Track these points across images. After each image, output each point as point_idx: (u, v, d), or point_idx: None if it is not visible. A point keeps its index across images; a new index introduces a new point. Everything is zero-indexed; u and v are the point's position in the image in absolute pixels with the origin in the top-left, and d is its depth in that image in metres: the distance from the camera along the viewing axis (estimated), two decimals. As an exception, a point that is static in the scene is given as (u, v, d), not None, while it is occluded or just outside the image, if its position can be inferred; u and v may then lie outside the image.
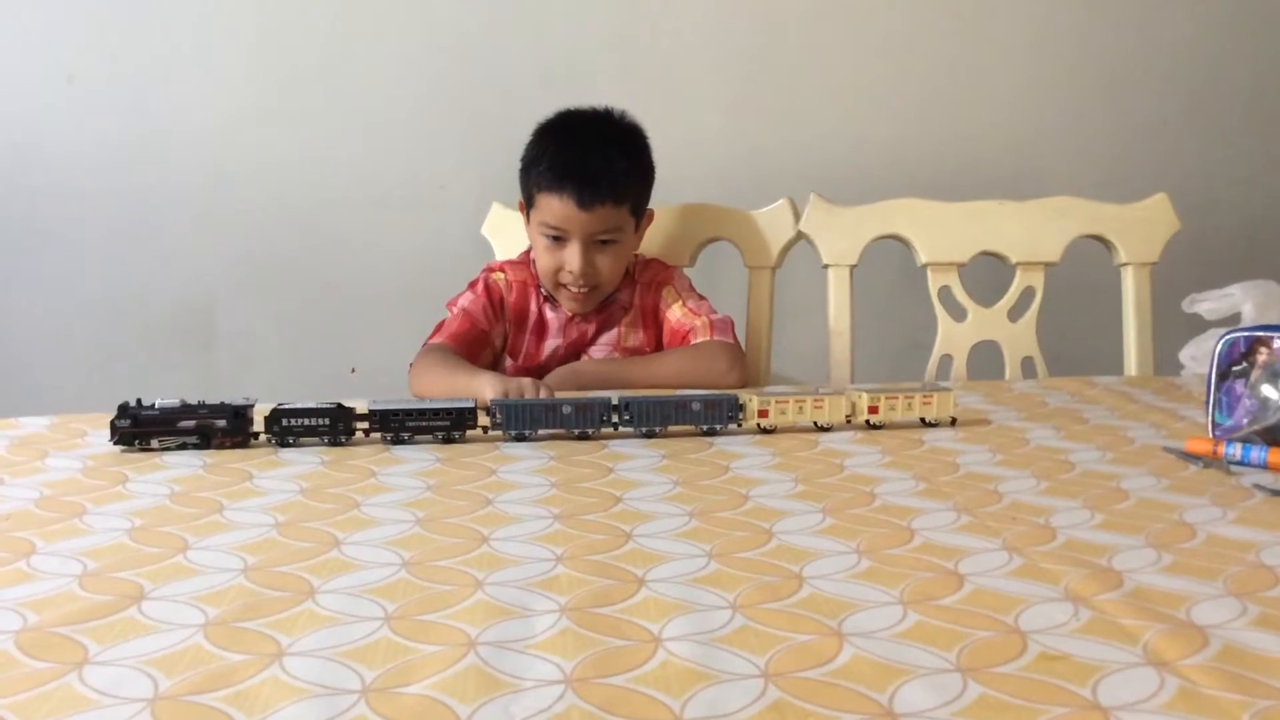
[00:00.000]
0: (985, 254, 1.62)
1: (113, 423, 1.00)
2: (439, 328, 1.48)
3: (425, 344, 1.45)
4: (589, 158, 1.42)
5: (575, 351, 1.52)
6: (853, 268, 1.60)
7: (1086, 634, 0.59)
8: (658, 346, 1.53)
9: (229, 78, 1.95)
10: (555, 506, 0.83)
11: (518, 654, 0.56)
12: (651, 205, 1.57)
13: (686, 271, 1.62)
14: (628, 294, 1.53)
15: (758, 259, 1.63)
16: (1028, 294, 1.62)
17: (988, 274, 1.67)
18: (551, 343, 1.52)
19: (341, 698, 0.51)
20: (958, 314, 1.62)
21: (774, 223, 1.63)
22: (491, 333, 1.50)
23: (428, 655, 0.56)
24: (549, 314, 1.52)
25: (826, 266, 1.61)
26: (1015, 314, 1.62)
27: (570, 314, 1.51)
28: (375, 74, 1.97)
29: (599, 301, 1.50)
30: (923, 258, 1.61)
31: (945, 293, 1.62)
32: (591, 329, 1.52)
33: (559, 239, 1.43)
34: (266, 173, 1.98)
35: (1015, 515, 0.81)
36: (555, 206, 1.41)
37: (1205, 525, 0.79)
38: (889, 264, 1.71)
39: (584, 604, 0.63)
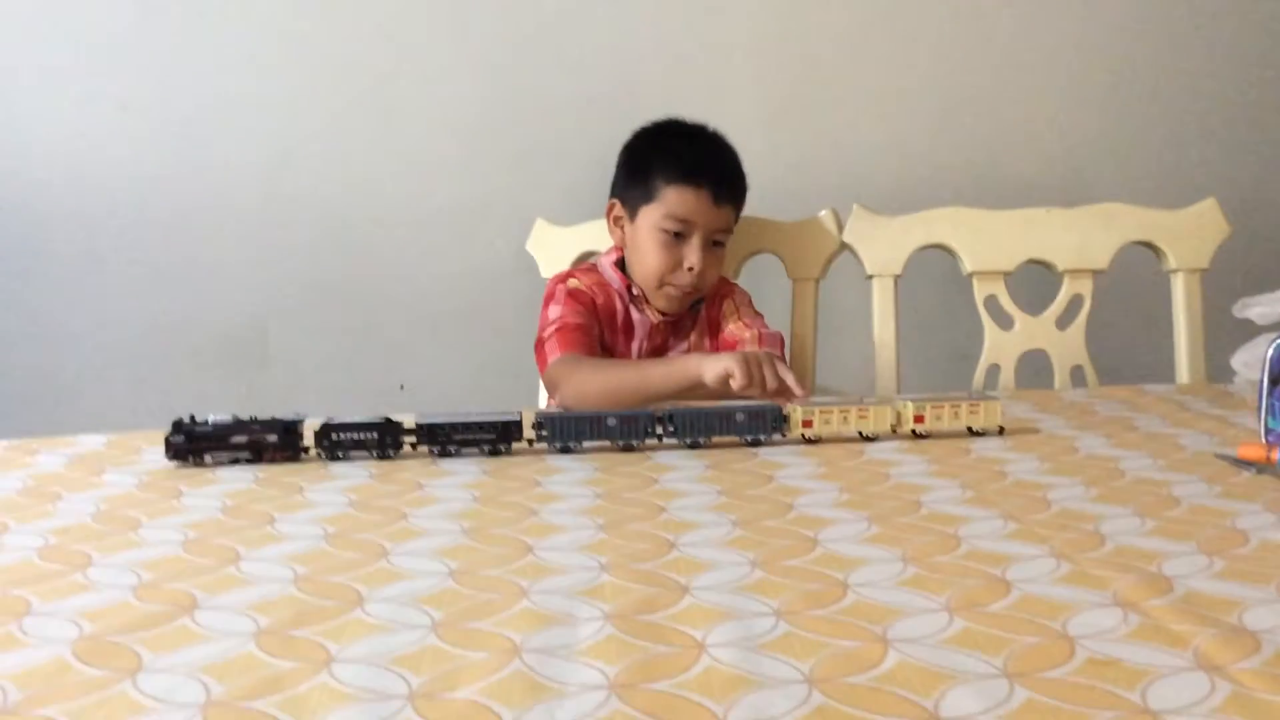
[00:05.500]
0: (1032, 262, 1.61)
1: (167, 439, 1.02)
2: (547, 347, 1.43)
3: (555, 360, 1.40)
4: (720, 156, 1.49)
5: (656, 355, 1.53)
6: (897, 278, 1.60)
7: (1136, 639, 0.58)
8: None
9: (277, 104, 1.98)
10: (600, 517, 0.83)
11: (562, 660, 0.56)
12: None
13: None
14: (700, 304, 1.55)
15: (801, 270, 1.63)
16: (1076, 302, 1.61)
17: (1035, 282, 1.65)
18: (637, 344, 1.53)
19: (389, 703, 0.52)
20: (1005, 323, 1.61)
21: (817, 234, 1.63)
22: (594, 333, 1.48)
23: (474, 661, 0.56)
24: (635, 315, 1.52)
25: (870, 277, 1.60)
26: (1064, 322, 1.61)
27: (660, 316, 1.51)
28: (419, 98, 1.99)
29: (690, 304, 1.52)
30: (968, 266, 1.60)
31: (992, 301, 1.61)
32: (670, 336, 1.54)
33: (680, 235, 1.44)
34: (315, 195, 2.01)
35: (1064, 523, 0.80)
36: (689, 199, 1.44)
37: (1258, 531, 0.78)
38: (933, 273, 1.70)
39: (628, 611, 0.63)
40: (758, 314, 1.55)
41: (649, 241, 1.46)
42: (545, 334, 1.44)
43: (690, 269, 1.44)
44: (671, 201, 1.44)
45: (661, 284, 1.47)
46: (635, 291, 1.51)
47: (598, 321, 1.49)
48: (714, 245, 1.47)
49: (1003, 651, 0.57)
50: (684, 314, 1.53)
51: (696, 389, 1.25)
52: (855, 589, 0.66)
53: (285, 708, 0.51)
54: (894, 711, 0.50)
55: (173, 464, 1.03)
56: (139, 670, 0.55)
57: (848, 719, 0.50)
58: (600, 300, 1.51)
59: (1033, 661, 0.56)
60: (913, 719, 0.50)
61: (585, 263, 1.59)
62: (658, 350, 1.53)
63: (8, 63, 1.94)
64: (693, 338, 1.54)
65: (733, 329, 1.51)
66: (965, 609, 0.63)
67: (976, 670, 0.55)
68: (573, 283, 1.51)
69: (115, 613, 0.64)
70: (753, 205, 1.57)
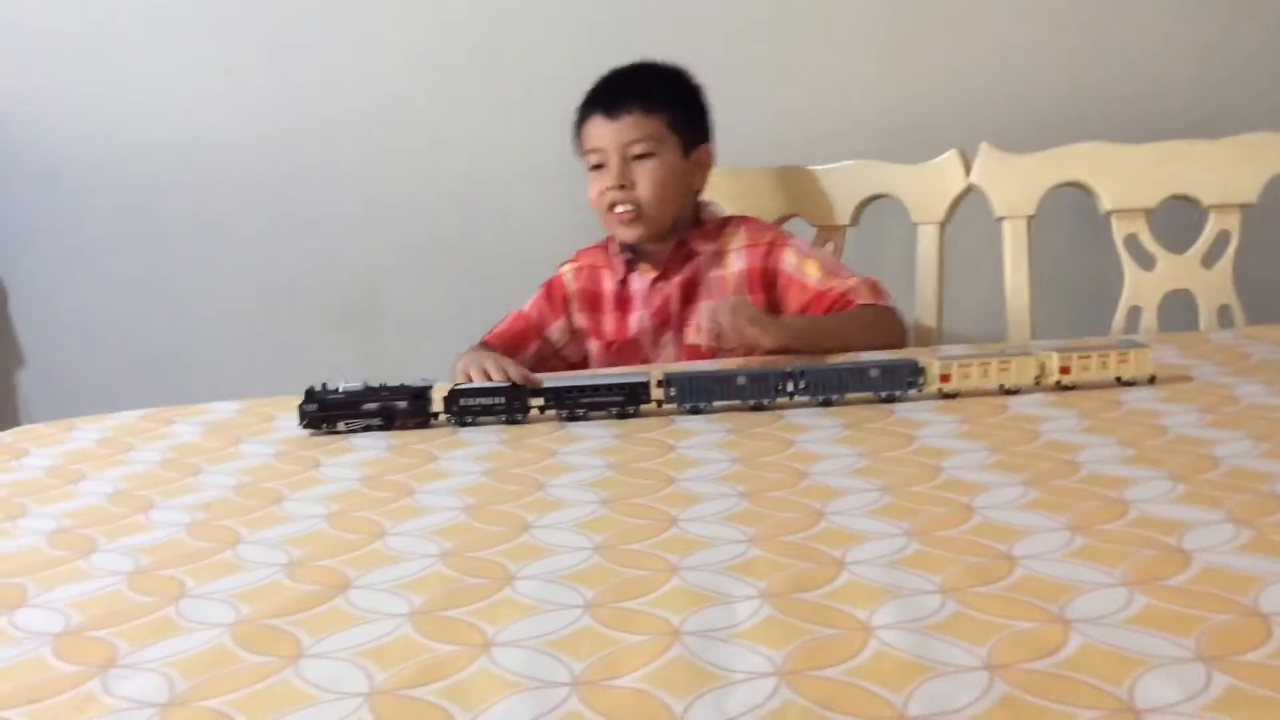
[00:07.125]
0: (1174, 198, 1.52)
1: (301, 407, 1.03)
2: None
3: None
4: (613, 77, 1.49)
5: (665, 319, 1.46)
6: (1030, 219, 1.53)
7: (1340, 618, 0.54)
8: (775, 310, 1.43)
9: (386, 61, 1.98)
10: (739, 483, 0.81)
11: (723, 643, 0.55)
12: (812, 165, 1.54)
13: (850, 231, 1.58)
14: (710, 250, 1.46)
15: (925, 214, 1.57)
16: (1222, 238, 1.52)
17: (1176, 218, 1.57)
18: (639, 314, 1.48)
19: (553, 690, 0.50)
20: (1146, 263, 1.53)
21: (942, 175, 1.56)
22: (546, 327, 1.52)
23: (633, 645, 0.55)
24: (634, 285, 1.48)
25: (1001, 219, 1.53)
26: (1209, 260, 1.52)
27: (652, 271, 1.47)
28: (529, 51, 1.97)
29: (653, 231, 1.44)
30: (1107, 205, 1.52)
31: (1132, 240, 1.53)
32: (675, 292, 1.46)
33: (599, 166, 1.44)
34: (424, 153, 2.01)
35: (1236, 482, 0.75)
36: (590, 128, 1.45)
37: None
38: (1061, 211, 1.62)
39: (784, 589, 0.61)
40: (833, 259, 1.47)
41: (588, 182, 1.47)
42: None
43: (609, 188, 1.42)
44: (583, 139, 1.46)
45: (603, 213, 1.46)
46: (625, 255, 1.49)
47: (563, 315, 1.52)
48: (639, 159, 1.42)
49: (1194, 631, 0.53)
50: (676, 265, 1.46)
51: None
52: (1022, 562, 0.63)
53: (449, 695, 0.50)
54: (1084, 701, 0.47)
55: (306, 432, 1.03)
56: (299, 656, 0.55)
57: (1036, 711, 0.47)
58: (579, 286, 1.52)
59: (1228, 643, 0.52)
60: (1106, 710, 0.47)
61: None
62: (662, 312, 1.46)
63: (115, 32, 1.97)
64: (728, 297, 1.40)
65: (821, 278, 1.40)
66: (1145, 583, 0.59)
67: (1168, 653, 0.51)
68: (564, 270, 1.54)
69: (269, 593, 0.64)
70: (868, 144, 1.51)
